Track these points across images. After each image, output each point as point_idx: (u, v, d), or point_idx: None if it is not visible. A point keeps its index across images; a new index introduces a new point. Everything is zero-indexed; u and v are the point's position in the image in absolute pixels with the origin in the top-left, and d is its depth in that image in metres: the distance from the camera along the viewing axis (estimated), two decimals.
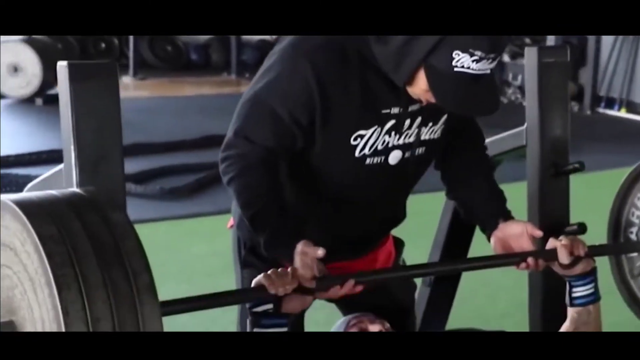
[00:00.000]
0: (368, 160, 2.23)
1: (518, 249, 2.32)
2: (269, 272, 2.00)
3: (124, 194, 2.00)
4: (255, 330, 2.02)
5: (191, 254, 5.10)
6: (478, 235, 2.55)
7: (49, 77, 9.06)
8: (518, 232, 2.33)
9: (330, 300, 2.52)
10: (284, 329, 2.04)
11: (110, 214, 1.53)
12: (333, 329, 2.41)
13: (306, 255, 2.09)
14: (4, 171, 6.45)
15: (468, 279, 2.93)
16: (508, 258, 2.31)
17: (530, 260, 2.27)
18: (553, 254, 2.27)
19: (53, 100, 9.24)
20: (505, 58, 10.12)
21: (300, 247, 2.10)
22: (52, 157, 6.81)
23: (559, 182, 2.55)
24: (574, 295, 2.30)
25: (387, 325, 2.33)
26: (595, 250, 2.31)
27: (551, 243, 2.29)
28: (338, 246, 2.35)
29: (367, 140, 2.19)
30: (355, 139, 2.18)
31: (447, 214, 2.89)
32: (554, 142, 2.53)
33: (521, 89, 9.95)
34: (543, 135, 2.52)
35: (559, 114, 2.52)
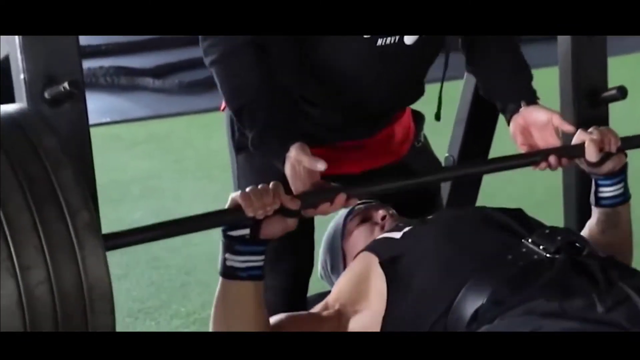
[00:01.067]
0: (380, 41, 1.93)
1: (540, 141, 1.97)
2: (247, 189, 1.69)
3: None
4: (227, 256, 1.74)
5: (210, 149, 4.87)
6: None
7: None
8: (542, 121, 1.97)
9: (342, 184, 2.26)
10: (261, 258, 1.74)
11: (41, 138, 1.34)
12: (335, 219, 2.15)
13: (300, 164, 1.79)
14: None
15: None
16: (525, 158, 1.97)
17: (552, 159, 1.92)
18: (579, 150, 1.93)
19: None
20: None
21: (294, 152, 1.80)
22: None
23: (597, 112, 2.18)
24: (601, 195, 1.98)
25: (392, 211, 2.06)
26: (630, 143, 1.96)
27: (579, 136, 1.95)
28: (349, 125, 2.09)
29: None
30: None
31: (465, 101, 2.57)
32: (591, 65, 2.16)
33: None
34: (577, 56, 2.15)
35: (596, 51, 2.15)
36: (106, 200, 4.15)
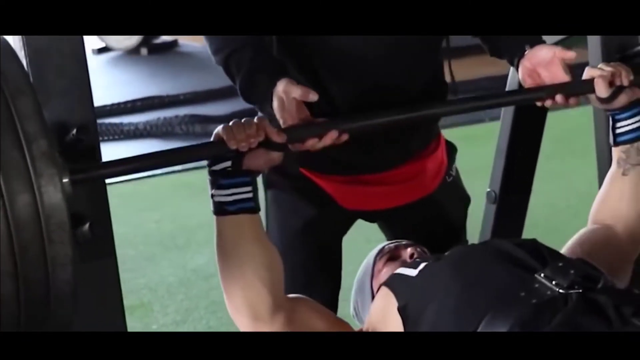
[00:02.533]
0: None
1: (548, 80, 1.92)
2: (230, 123, 1.67)
3: None
4: (214, 192, 1.71)
5: None
6: None
7: None
8: (547, 58, 1.92)
9: (368, 219, 2.23)
10: (248, 189, 1.71)
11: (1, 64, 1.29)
12: (365, 260, 2.11)
13: (288, 96, 1.76)
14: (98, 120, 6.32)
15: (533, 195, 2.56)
16: (529, 93, 1.92)
17: (558, 97, 1.87)
18: (587, 86, 1.86)
19: (158, 49, 9.16)
20: None
21: (282, 85, 1.77)
22: (147, 104, 6.70)
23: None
24: (618, 131, 1.90)
25: (420, 249, 2.01)
26: None
27: (588, 72, 1.89)
28: (373, 144, 2.03)
29: None
30: None
31: (505, 134, 2.50)
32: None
33: None
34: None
35: None
36: (172, 246, 4.26)
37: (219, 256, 1.76)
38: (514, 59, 1.99)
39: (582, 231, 1.98)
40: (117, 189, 5.07)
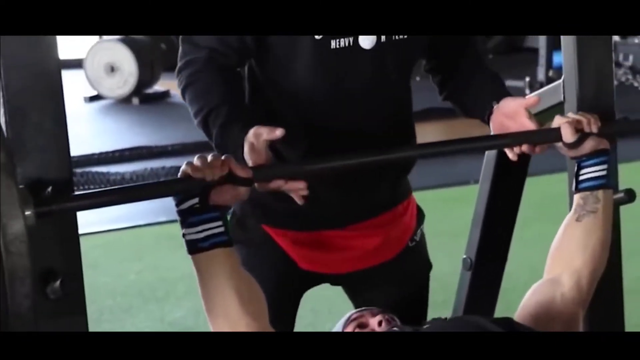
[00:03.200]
0: (333, 44, 1.91)
1: (515, 129, 1.97)
2: (194, 159, 1.70)
3: None
4: (185, 231, 1.72)
5: None
6: None
7: (145, 76, 8.98)
8: (513, 108, 1.98)
9: (330, 282, 2.23)
10: (218, 224, 1.71)
11: None
12: (335, 328, 2.10)
13: (258, 138, 1.79)
14: (84, 169, 6.37)
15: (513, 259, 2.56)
16: (497, 140, 1.98)
17: (524, 146, 1.94)
18: (555, 133, 1.90)
19: (149, 99, 9.19)
20: (615, 37, 9.54)
21: (251, 131, 1.80)
22: (135, 154, 6.71)
23: None
24: (581, 178, 1.94)
25: (388, 316, 2.01)
26: (613, 127, 1.97)
27: (556, 121, 1.93)
28: (335, 199, 2.07)
29: None
30: None
31: (482, 203, 2.51)
32: (597, 95, 2.07)
33: (632, 69, 9.41)
34: (582, 88, 2.07)
35: (601, 60, 2.07)
36: (151, 298, 4.24)
37: (202, 296, 1.75)
38: (484, 116, 2.05)
39: (531, 290, 1.97)
40: (100, 239, 5.08)
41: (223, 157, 1.72)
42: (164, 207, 5.68)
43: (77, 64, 9.30)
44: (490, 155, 2.43)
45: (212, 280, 1.72)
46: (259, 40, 1.94)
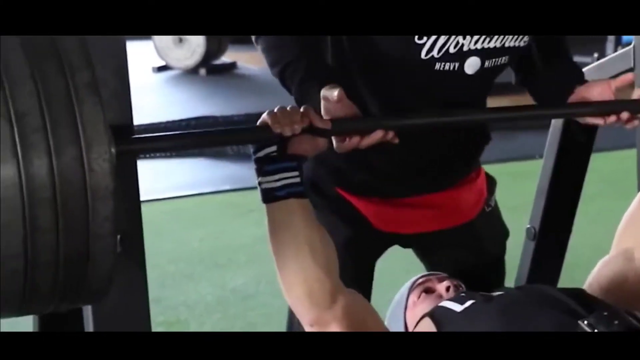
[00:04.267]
0: (438, 65, 1.85)
1: None
2: (275, 109, 1.66)
3: None
4: (261, 179, 1.69)
5: None
6: None
7: (212, 47, 9.02)
8: (598, 91, 1.89)
9: (404, 243, 2.21)
10: (295, 174, 1.69)
11: None
12: (399, 293, 2.08)
13: (328, 101, 1.72)
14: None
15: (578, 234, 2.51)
16: (590, 107, 1.87)
17: (624, 114, 1.83)
18: (636, 104, 1.83)
19: (216, 71, 9.23)
20: None
21: (323, 92, 1.73)
22: (201, 123, 6.75)
23: None
24: None
25: (457, 282, 1.98)
26: None
27: (637, 92, 1.86)
28: (409, 175, 2.04)
29: (435, 40, 1.82)
30: (420, 37, 1.81)
31: (546, 172, 2.46)
32: None
33: None
34: None
35: None
36: (213, 265, 4.27)
37: (273, 246, 1.71)
38: (560, 98, 1.96)
39: (600, 264, 1.93)
40: (165, 205, 5.13)
41: (302, 109, 1.68)
42: (228, 176, 5.75)
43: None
44: (556, 127, 2.39)
45: (286, 231, 1.69)
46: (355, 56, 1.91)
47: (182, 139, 1.67)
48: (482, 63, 1.88)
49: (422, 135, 1.96)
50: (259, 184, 1.70)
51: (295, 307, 1.74)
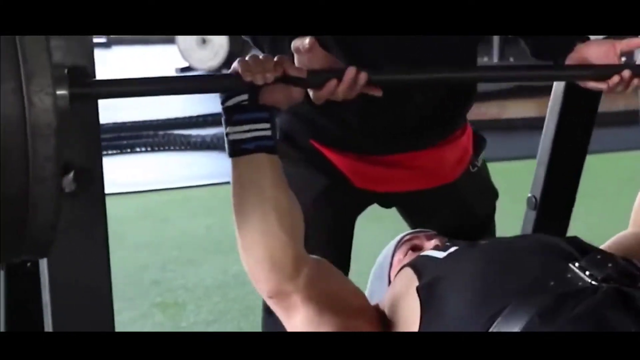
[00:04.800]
0: None
1: None
2: (246, 57, 1.53)
3: None
4: (228, 130, 1.57)
5: None
6: None
7: (235, 48, 8.96)
8: (602, 51, 1.74)
9: (383, 203, 2.09)
10: (266, 126, 1.56)
11: None
12: (385, 250, 1.96)
13: (299, 52, 1.60)
14: (166, 132, 6.48)
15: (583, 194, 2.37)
16: (595, 69, 1.73)
17: (626, 72, 1.68)
18: None
19: None
20: None
21: (293, 43, 1.62)
22: (217, 119, 6.65)
23: None
24: None
25: (445, 239, 1.86)
26: None
27: None
28: (385, 132, 1.94)
29: None
30: None
31: (547, 139, 2.33)
32: None
33: None
34: None
35: None
36: (215, 251, 4.19)
37: (235, 203, 1.60)
38: (559, 56, 1.82)
39: (616, 236, 1.83)
40: (174, 195, 5.05)
41: (276, 58, 1.56)
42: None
43: (170, 37, 9.37)
44: (558, 89, 2.26)
45: (251, 188, 1.57)
46: None
47: (146, 85, 1.56)
48: None
49: (399, 91, 1.85)
50: (226, 135, 1.58)
51: (253, 273, 1.63)
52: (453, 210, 2.09)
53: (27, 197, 1.23)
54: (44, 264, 1.51)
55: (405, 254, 1.87)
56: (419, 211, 2.10)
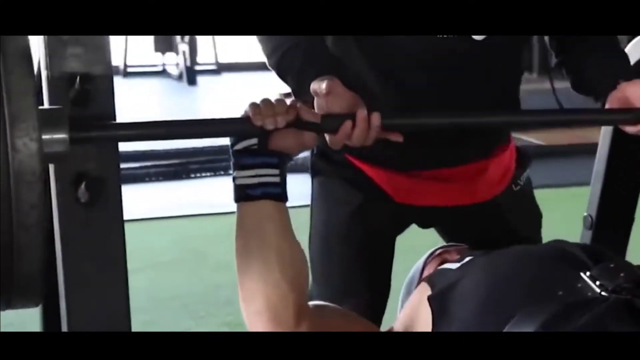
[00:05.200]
0: None
1: None
2: (259, 100, 1.54)
3: None
4: (235, 174, 1.56)
5: None
6: None
7: None
8: None
9: (422, 221, 2.05)
10: (274, 172, 1.55)
11: None
12: (416, 264, 1.98)
13: (317, 95, 1.61)
14: None
15: None
16: (617, 114, 1.73)
17: None
18: None
19: None
20: None
21: (312, 85, 1.62)
22: None
23: None
24: None
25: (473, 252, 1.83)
26: None
27: None
28: (424, 148, 1.89)
29: None
30: None
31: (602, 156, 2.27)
32: None
33: None
34: None
35: None
36: None
37: (238, 251, 1.58)
38: (601, 94, 1.81)
39: None
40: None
41: (290, 102, 1.55)
42: (303, 193, 5.63)
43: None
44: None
45: (255, 235, 1.55)
46: None
47: (153, 128, 1.55)
48: None
49: (438, 108, 1.83)
50: (233, 179, 1.57)
51: (252, 323, 1.59)
52: (493, 228, 2.07)
53: (12, 245, 1.21)
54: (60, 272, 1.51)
55: (436, 267, 1.84)
56: (458, 229, 2.08)
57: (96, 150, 1.46)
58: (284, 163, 1.57)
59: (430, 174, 1.96)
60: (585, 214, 2.35)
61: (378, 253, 2.01)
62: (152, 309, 3.74)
